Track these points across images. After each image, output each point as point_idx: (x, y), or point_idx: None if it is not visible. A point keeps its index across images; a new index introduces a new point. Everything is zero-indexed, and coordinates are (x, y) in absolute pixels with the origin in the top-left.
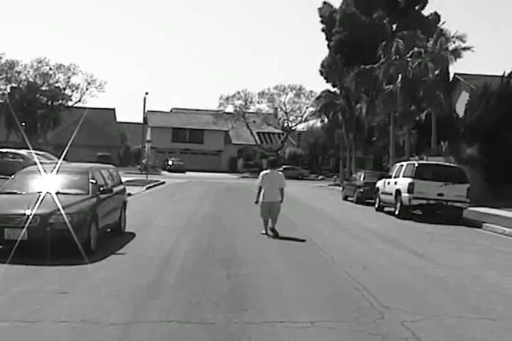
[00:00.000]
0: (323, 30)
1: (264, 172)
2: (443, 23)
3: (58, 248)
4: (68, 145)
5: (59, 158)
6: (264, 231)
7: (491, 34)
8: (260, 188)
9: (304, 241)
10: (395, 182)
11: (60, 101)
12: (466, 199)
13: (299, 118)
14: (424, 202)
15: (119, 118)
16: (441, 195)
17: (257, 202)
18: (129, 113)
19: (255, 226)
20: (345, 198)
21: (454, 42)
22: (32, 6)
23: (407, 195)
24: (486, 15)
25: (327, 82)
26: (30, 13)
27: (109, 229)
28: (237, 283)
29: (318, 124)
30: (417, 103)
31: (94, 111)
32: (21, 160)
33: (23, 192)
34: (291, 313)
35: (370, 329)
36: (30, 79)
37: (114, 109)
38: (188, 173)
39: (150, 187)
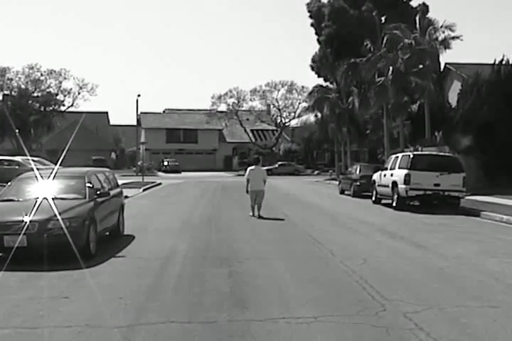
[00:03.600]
0: (312, 24)
1: (250, 167)
2: (426, 13)
3: (58, 253)
4: (65, 150)
5: (54, 164)
6: (251, 214)
7: (480, 22)
8: (248, 181)
9: (302, 237)
10: (391, 174)
11: (53, 107)
12: (463, 189)
13: (292, 114)
14: (421, 192)
15: (112, 122)
16: (437, 185)
17: (247, 192)
18: (122, 115)
19: (251, 226)
20: (342, 192)
21: (444, 32)
22: (20, 11)
23: (403, 186)
24: (475, 4)
25: (319, 76)
26: (18, 19)
27: (107, 233)
28: (237, 282)
29: (312, 119)
30: (409, 94)
31: (87, 115)
32: (17, 167)
33: (20, 199)
34: (294, 309)
35: (373, 322)
36: (22, 86)
37: (107, 113)
38: (183, 173)
39: (147, 188)
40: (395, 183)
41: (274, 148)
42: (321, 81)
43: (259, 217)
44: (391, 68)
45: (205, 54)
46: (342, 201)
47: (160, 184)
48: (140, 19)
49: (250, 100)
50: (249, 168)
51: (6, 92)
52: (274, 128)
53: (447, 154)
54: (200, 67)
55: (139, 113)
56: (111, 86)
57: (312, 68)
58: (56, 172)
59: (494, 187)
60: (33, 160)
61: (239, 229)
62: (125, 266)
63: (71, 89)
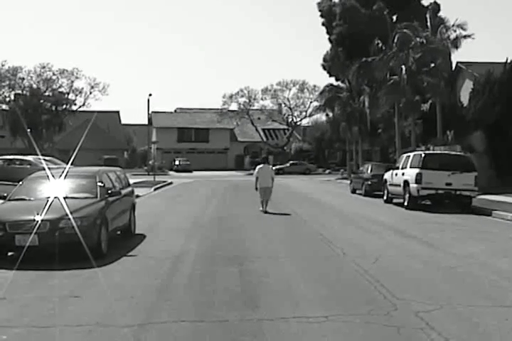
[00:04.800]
0: (323, 24)
1: (259, 166)
2: (437, 12)
3: (69, 252)
4: (77, 149)
5: (66, 163)
6: (261, 209)
7: (492, 21)
8: (257, 178)
9: (313, 235)
10: (403, 173)
11: (64, 106)
12: (475, 188)
13: (304, 113)
14: (433, 192)
15: (123, 121)
16: (449, 184)
17: (256, 189)
18: (133, 115)
19: (262, 224)
20: (354, 191)
21: (455, 31)
22: (32, 11)
23: (415, 185)
24: (485, 2)
25: (330, 75)
26: (30, 18)
27: (119, 232)
28: (248, 281)
29: (323, 118)
30: (420, 93)
31: (98, 114)
32: (28, 166)
33: (32, 198)
34: (305, 308)
35: (385, 321)
36: (34, 85)
37: (118, 112)
38: (195, 173)
39: (158, 188)
40: (406, 182)
41: (285, 147)
42: (332, 80)
43: (266, 212)
44: (403, 67)
45: (216, 53)
46: (353, 200)
47: (171, 183)
48: (151, 18)
49: (262, 99)
50: (258, 167)
51: (17, 91)
52: (286, 127)
53: (459, 153)
54: (212, 66)
55: (150, 112)
56: (122, 85)
57: (324, 67)
58: (67, 172)
59: (506, 186)
60: (45, 160)
61: (249, 228)
62: (136, 265)
63: (83, 88)
